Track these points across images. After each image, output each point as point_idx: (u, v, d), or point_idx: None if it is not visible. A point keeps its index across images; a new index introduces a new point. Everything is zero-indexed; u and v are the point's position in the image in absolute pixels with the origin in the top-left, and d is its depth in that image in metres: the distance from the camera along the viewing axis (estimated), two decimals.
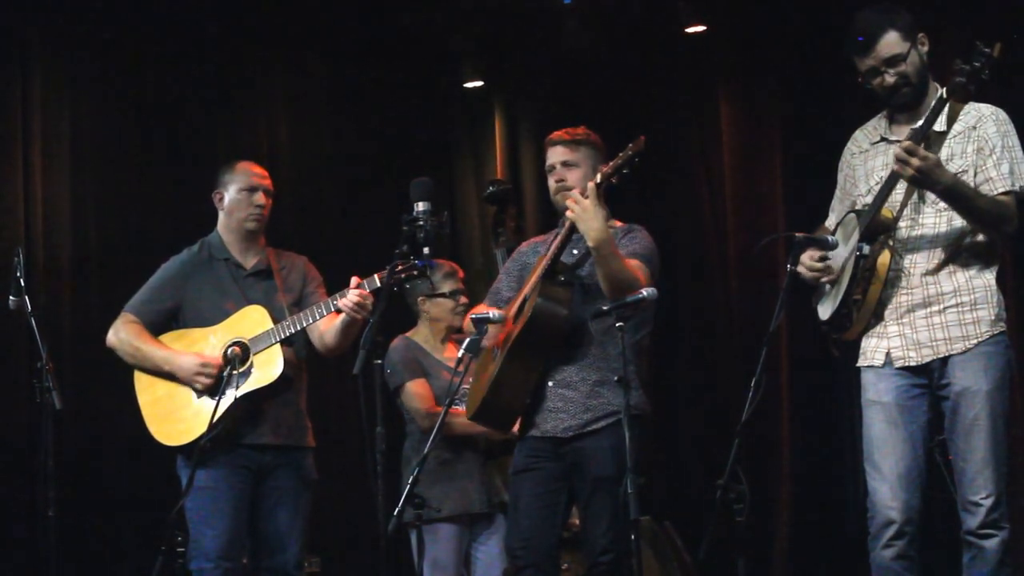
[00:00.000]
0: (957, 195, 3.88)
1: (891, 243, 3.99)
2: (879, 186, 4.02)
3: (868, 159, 4.15)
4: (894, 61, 3.98)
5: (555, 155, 4.46)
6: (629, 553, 4.04)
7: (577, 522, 4.61)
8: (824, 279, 4.12)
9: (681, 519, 6.21)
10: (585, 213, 4.13)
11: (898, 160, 3.82)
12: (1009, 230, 3.97)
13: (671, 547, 6.00)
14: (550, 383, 4.35)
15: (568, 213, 4.19)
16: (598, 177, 4.19)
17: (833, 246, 4.03)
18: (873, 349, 4.07)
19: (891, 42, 3.97)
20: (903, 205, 4.00)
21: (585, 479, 4.29)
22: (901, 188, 4.00)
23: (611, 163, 4.19)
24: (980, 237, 4.01)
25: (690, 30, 6.84)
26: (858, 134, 4.24)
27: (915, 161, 3.79)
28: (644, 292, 4.07)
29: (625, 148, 4.15)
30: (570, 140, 4.46)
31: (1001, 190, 3.94)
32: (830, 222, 4.28)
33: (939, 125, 3.97)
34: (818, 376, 6.36)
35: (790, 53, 6.74)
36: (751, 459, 6.28)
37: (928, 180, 3.84)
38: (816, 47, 6.43)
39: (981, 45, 3.77)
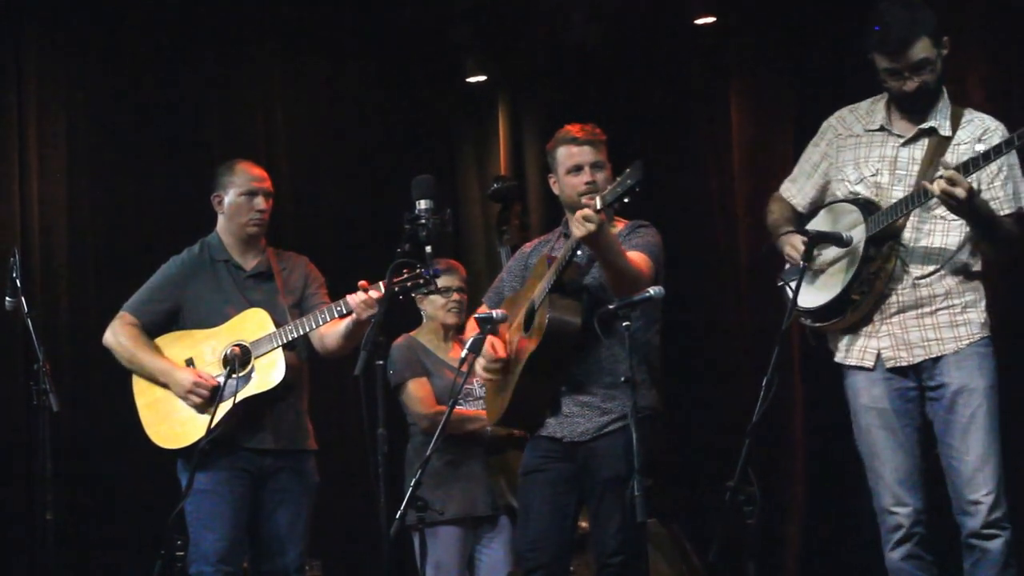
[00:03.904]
0: (988, 220, 3.93)
1: (897, 248, 4.02)
2: (876, 177, 4.02)
3: (862, 145, 4.14)
4: (920, 67, 3.97)
5: (584, 155, 4.35)
6: (639, 555, 4.03)
7: (584, 524, 4.56)
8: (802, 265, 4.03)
9: (691, 521, 6.15)
10: (598, 231, 3.99)
11: (943, 190, 3.79)
12: (1015, 253, 4.05)
13: (679, 550, 5.94)
14: (563, 388, 4.32)
15: (577, 220, 4.03)
16: (598, 202, 4.02)
17: (848, 243, 4.01)
18: (861, 349, 4.10)
19: (922, 48, 3.95)
20: (910, 212, 4.01)
21: (596, 480, 4.26)
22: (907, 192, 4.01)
23: (610, 188, 4.03)
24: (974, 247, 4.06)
25: (699, 21, 6.76)
26: (847, 115, 4.22)
27: (960, 192, 3.78)
28: (651, 291, 4.02)
29: (623, 175, 3.96)
30: (597, 140, 4.37)
31: (1008, 211, 4.00)
32: (790, 193, 4.25)
33: (944, 130, 4.01)
34: (830, 375, 6.27)
35: (801, 45, 6.67)
36: (762, 460, 6.28)
37: (966, 209, 3.85)
38: (827, 39, 6.37)
39: None
